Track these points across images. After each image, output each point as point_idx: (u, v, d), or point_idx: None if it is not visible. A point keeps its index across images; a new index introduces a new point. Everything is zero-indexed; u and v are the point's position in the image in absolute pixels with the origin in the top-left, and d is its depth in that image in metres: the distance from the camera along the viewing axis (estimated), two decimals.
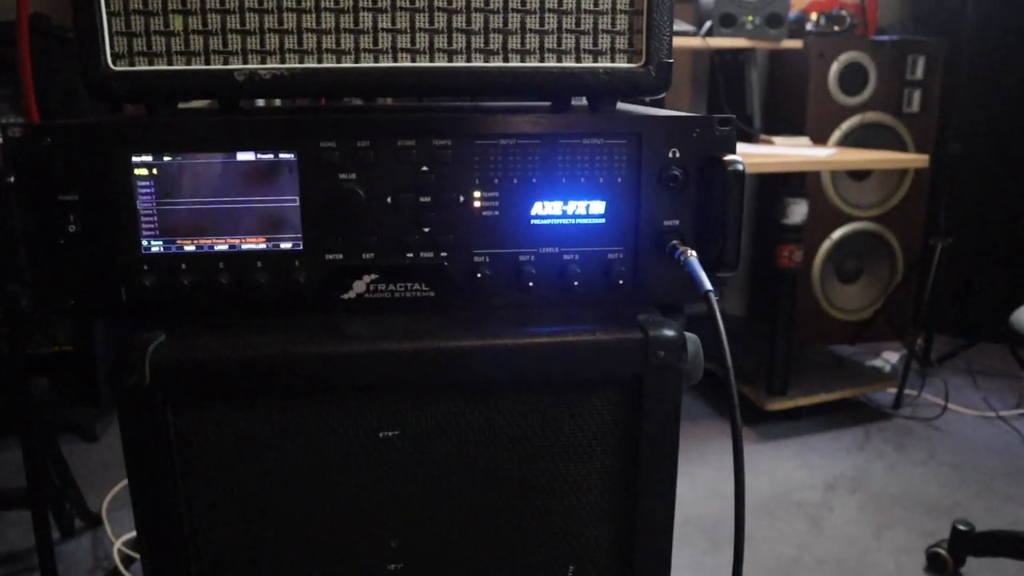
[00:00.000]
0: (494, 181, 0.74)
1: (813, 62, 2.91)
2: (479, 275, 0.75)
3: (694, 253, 0.71)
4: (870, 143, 3.00)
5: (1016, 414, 2.67)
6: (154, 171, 0.73)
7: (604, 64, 0.75)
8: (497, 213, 0.75)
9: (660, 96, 0.76)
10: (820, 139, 2.93)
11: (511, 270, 0.76)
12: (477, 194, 0.74)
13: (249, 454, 0.72)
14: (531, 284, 0.75)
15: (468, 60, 0.74)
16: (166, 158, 0.72)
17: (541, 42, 0.74)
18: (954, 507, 2.17)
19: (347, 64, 0.74)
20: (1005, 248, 3.15)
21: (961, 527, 1.81)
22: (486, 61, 0.74)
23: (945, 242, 2.78)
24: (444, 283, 0.76)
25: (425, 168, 0.74)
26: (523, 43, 0.74)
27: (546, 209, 0.75)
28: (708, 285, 0.67)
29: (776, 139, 2.80)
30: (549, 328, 0.73)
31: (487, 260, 0.76)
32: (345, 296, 0.76)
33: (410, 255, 0.75)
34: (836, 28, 2.95)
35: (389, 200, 0.74)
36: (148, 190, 0.73)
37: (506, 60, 0.75)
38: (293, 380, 0.71)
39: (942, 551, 1.83)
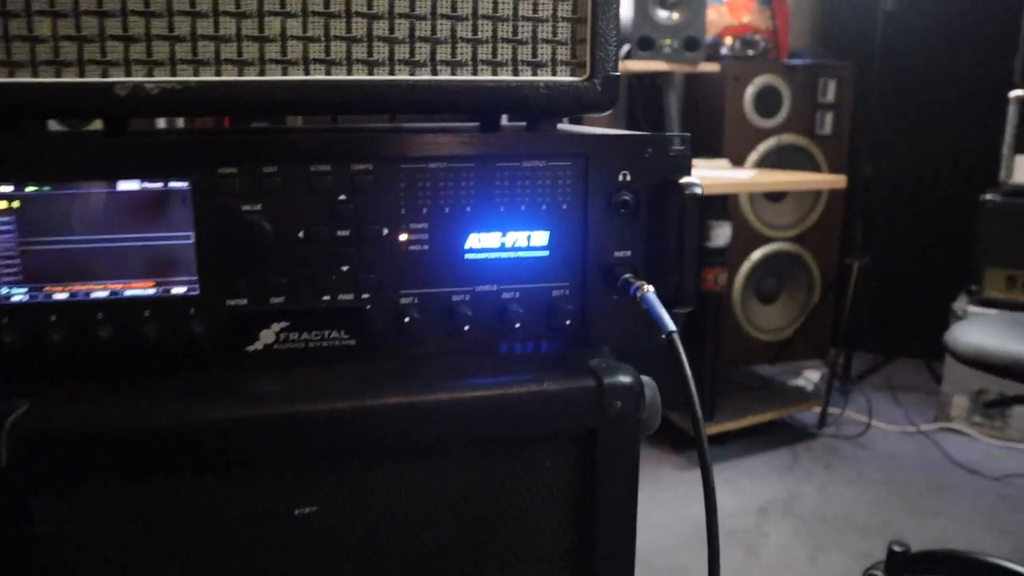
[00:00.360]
0: (423, 211, 0.65)
1: (729, 85, 2.93)
2: (407, 319, 0.65)
3: (651, 288, 0.63)
4: (785, 165, 3.04)
5: (936, 428, 2.72)
6: (15, 204, 0.60)
7: (544, 77, 0.67)
8: (426, 247, 0.65)
9: (606, 113, 0.69)
10: (737, 161, 2.95)
11: (443, 312, 0.66)
12: (403, 226, 0.65)
13: (137, 542, 0.60)
14: (466, 327, 0.66)
15: (391, 73, 0.65)
16: (30, 189, 0.60)
17: (474, 53, 0.66)
18: (885, 526, 2.17)
19: (251, 77, 0.64)
20: (919, 265, 3.24)
21: (896, 548, 1.79)
22: (411, 74, 0.65)
23: (862, 261, 2.82)
24: (366, 329, 0.66)
25: (343, 197, 0.64)
26: (453, 53, 0.66)
27: (482, 242, 0.66)
28: (671, 325, 0.59)
29: (696, 161, 2.79)
30: (489, 379, 0.64)
31: (416, 301, 0.66)
32: (251, 348, 0.65)
33: (326, 298, 0.65)
34: (750, 52, 2.99)
35: (301, 235, 0.64)
36: (8, 227, 0.61)
37: (435, 73, 0.66)
38: (189, 452, 0.59)
39: (879, 574, 1.81)
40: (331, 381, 0.63)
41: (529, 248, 0.67)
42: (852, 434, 2.71)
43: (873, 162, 2.85)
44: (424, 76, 0.66)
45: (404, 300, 0.66)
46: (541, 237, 0.67)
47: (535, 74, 0.67)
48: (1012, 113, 2.51)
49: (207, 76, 0.62)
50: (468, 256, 0.66)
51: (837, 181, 2.51)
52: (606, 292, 0.68)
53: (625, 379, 0.64)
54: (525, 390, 0.63)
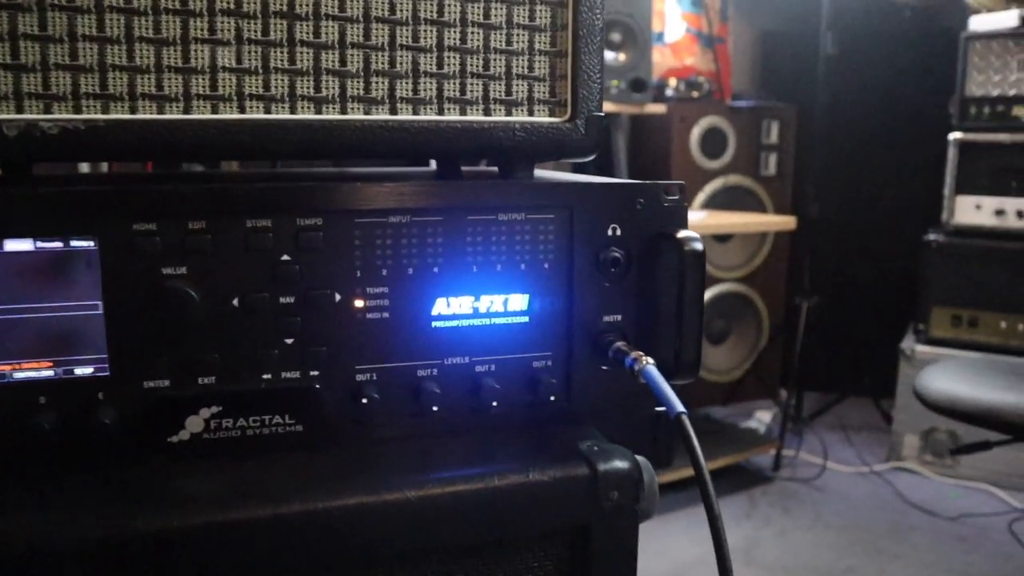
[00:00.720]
0: (382, 272, 0.55)
1: (675, 126, 2.91)
2: (364, 399, 0.55)
3: (651, 361, 0.54)
4: (732, 205, 3.03)
5: (888, 468, 2.70)
6: None
7: (520, 118, 0.59)
8: (386, 315, 0.56)
9: (589, 158, 0.60)
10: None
11: (407, 390, 0.57)
12: (359, 290, 0.55)
13: None
14: (435, 408, 0.56)
15: (342, 111, 0.56)
16: None
17: (439, 89, 0.57)
18: (848, 572, 2.11)
19: (173, 115, 0.53)
20: (866, 305, 3.25)
21: None
22: (367, 113, 0.56)
23: (810, 301, 2.81)
24: (316, 413, 0.55)
25: (286, 257, 0.54)
26: (416, 90, 0.57)
27: (452, 307, 0.57)
28: (680, 407, 0.50)
29: None
30: (463, 470, 0.54)
31: (374, 378, 0.56)
32: (174, 439, 0.54)
33: (267, 377, 0.55)
34: (695, 94, 2.99)
35: (235, 302, 0.53)
36: None
37: (393, 112, 0.57)
38: (93, 574, 0.48)
39: None
40: (274, 478, 0.53)
41: (506, 314, 0.58)
42: (807, 476, 2.66)
43: (819, 203, 2.86)
44: (381, 115, 0.57)
45: (361, 377, 0.56)
46: (519, 301, 0.58)
47: (509, 114, 0.59)
48: (952, 155, 2.54)
49: (119, 114, 0.52)
50: (436, 324, 0.57)
51: (787, 223, 2.50)
52: (594, 363, 0.59)
53: (621, 464, 0.55)
54: (507, 483, 0.53)
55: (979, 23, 2.51)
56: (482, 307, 0.57)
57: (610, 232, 0.58)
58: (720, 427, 2.82)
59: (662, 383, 0.52)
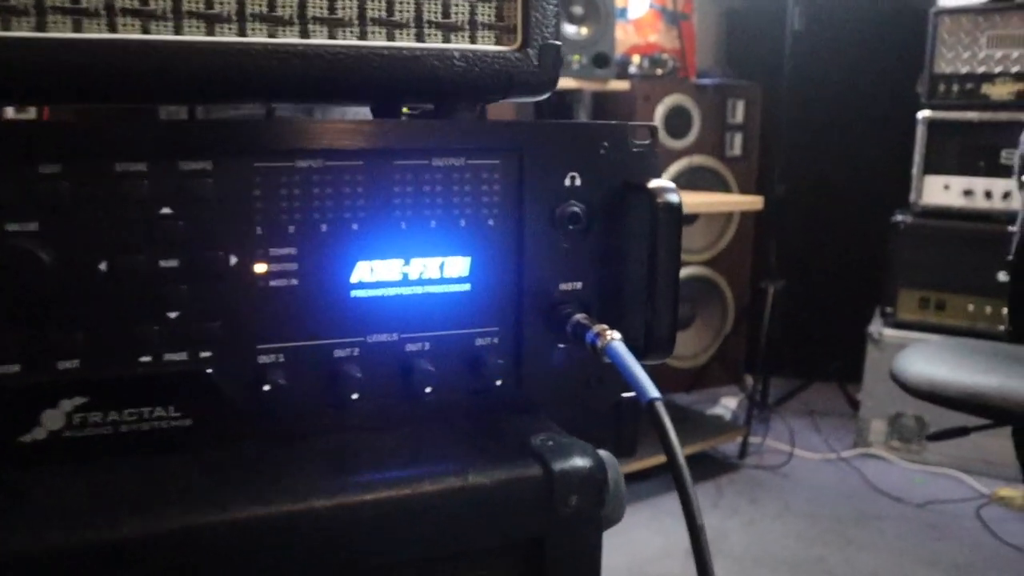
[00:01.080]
0: (288, 230, 0.45)
1: (639, 105, 2.82)
2: (267, 386, 0.45)
3: (618, 336, 0.44)
4: (697, 186, 2.96)
5: (855, 454, 2.65)
6: None
7: (460, 45, 0.49)
8: (295, 283, 0.45)
9: (545, 96, 0.51)
10: None
11: (322, 375, 0.46)
12: (260, 252, 0.45)
13: None
14: (355, 396, 0.46)
15: (241, 32, 0.45)
16: None
17: (361, 8, 0.47)
18: (818, 562, 2.06)
19: (24, 33, 0.42)
20: (833, 288, 3.21)
21: None
22: (271, 35, 0.46)
23: (777, 284, 2.75)
24: (208, 404, 0.45)
25: (167, 210, 0.43)
26: (332, 8, 0.46)
27: (376, 273, 0.47)
28: (653, 391, 0.41)
29: None
30: (386, 472, 0.44)
31: (281, 360, 0.46)
32: (26, 439, 0.43)
33: (145, 359, 0.44)
34: (659, 71, 2.90)
35: (103, 267, 0.43)
36: None
37: (305, 35, 0.46)
38: None
39: None
40: (153, 486, 0.42)
41: (443, 281, 0.48)
42: (774, 464, 2.61)
43: (785, 184, 2.80)
44: (291, 39, 0.46)
45: (263, 359, 0.46)
46: (459, 265, 0.48)
47: (447, 40, 0.49)
48: (920, 134, 2.49)
49: None
50: (356, 294, 0.46)
51: (754, 202, 2.43)
52: (549, 339, 0.49)
53: (582, 462, 0.45)
54: (442, 487, 0.43)
55: None
56: (413, 273, 0.47)
57: (568, 182, 0.48)
58: (685, 414, 2.76)
59: (631, 363, 0.42)
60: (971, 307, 2.44)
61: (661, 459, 2.42)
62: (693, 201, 2.31)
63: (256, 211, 0.44)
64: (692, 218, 3.09)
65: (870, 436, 2.66)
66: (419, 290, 0.47)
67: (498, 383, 0.48)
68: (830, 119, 3.14)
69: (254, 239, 0.44)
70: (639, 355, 0.47)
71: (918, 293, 2.53)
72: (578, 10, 2.57)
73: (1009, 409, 1.11)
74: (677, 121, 2.99)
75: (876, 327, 2.59)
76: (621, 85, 2.72)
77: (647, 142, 0.49)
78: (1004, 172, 2.37)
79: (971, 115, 2.40)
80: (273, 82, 0.45)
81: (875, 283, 2.73)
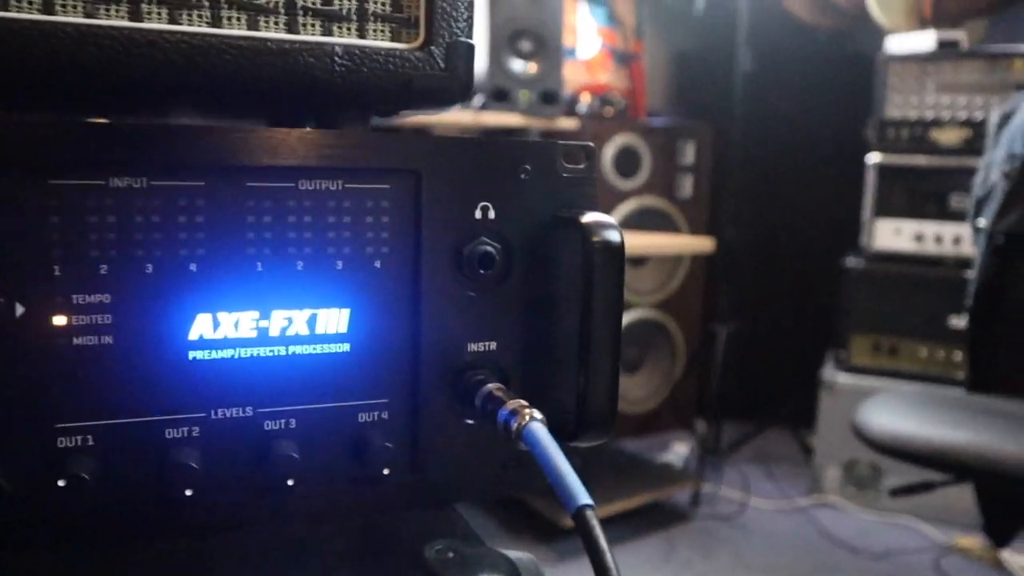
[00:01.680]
0: (98, 271, 0.34)
1: None
2: (67, 480, 0.33)
3: (539, 417, 0.34)
4: (647, 227, 2.89)
5: (811, 503, 2.58)
6: None
7: (344, 39, 0.38)
8: (109, 339, 0.34)
9: (452, 107, 0.40)
10: None
11: (147, 464, 0.35)
12: (58, 298, 0.33)
13: None
14: (188, 492, 0.34)
15: (46, 10, 0.34)
16: None
17: None
18: None
19: None
20: (784, 332, 3.16)
21: None
22: (88, 16, 0.35)
23: (728, 328, 2.69)
24: None
25: None
26: None
27: (223, 328, 0.35)
28: (583, 497, 0.30)
29: None
30: None
31: (89, 444, 0.34)
32: None
33: None
34: (609, 111, 2.85)
35: None
36: None
37: (137, 18, 0.35)
38: None
39: None
40: None
41: (313, 339, 0.37)
42: (728, 513, 2.52)
43: (735, 226, 2.76)
44: (120, 22, 0.35)
45: (65, 442, 0.34)
46: (335, 319, 0.37)
47: (328, 33, 0.38)
48: (871, 178, 2.47)
49: None
50: (195, 355, 0.35)
51: (705, 244, 2.37)
52: (453, 415, 0.39)
53: None
54: None
55: (896, 45, 2.46)
56: (274, 329, 0.36)
57: (479, 214, 0.38)
58: (635, 462, 2.66)
59: (554, 455, 0.31)
60: (924, 352, 2.40)
61: (609, 511, 2.31)
62: (643, 243, 2.24)
63: (54, 244, 0.33)
64: (641, 260, 3.02)
65: (825, 483, 2.58)
66: (281, 351, 0.36)
67: (386, 472, 0.37)
68: (780, 162, 3.13)
69: (51, 281, 0.33)
70: (569, 435, 0.37)
71: (871, 338, 2.49)
72: (526, 46, 2.51)
73: (978, 466, 1.04)
74: (626, 161, 2.94)
75: (829, 372, 2.53)
76: (570, 123, 2.66)
77: (582, 166, 0.39)
78: (953, 217, 2.36)
79: (920, 160, 2.38)
80: (85, 76, 0.34)
81: (827, 327, 2.68)
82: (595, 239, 0.36)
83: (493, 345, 0.38)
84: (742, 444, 2.98)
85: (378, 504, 0.38)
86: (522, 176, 0.38)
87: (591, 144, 0.39)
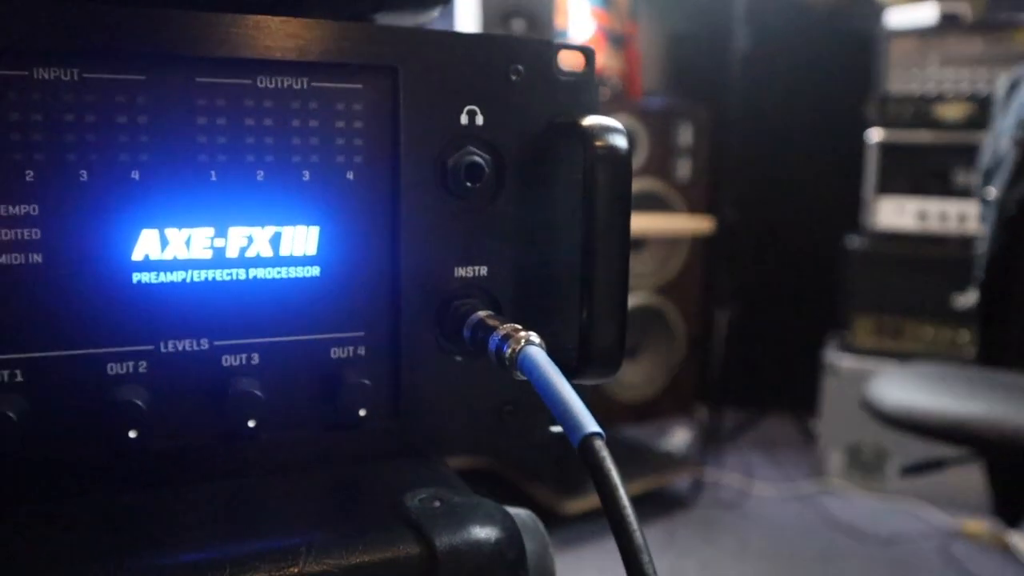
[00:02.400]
0: (24, 178, 0.29)
1: None
2: None
3: (536, 340, 0.29)
4: (645, 211, 2.85)
5: (815, 488, 2.54)
6: None
7: None
8: (38, 258, 0.29)
9: (436, 8, 0.36)
10: None
11: (85, 403, 0.30)
12: None
13: None
14: (133, 434, 0.30)
15: None
16: None
17: None
18: None
19: None
20: (786, 314, 3.12)
21: None
22: None
23: (729, 311, 2.65)
24: None
25: None
26: None
27: (173, 248, 0.31)
28: (591, 425, 0.25)
29: None
30: (170, 556, 0.27)
31: (17, 380, 0.29)
32: None
33: None
34: (605, 92, 2.80)
35: None
36: None
37: None
38: None
39: None
40: None
41: (278, 262, 0.32)
42: (730, 500, 2.48)
43: (735, 207, 2.71)
44: None
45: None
46: (302, 239, 0.32)
47: None
48: (872, 155, 2.42)
49: None
50: (140, 278, 0.30)
51: (704, 224, 2.32)
52: (440, 349, 0.34)
53: (483, 533, 0.30)
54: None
55: (897, 19, 2.41)
56: (232, 249, 0.31)
57: (465, 119, 0.33)
58: (635, 449, 2.61)
59: (556, 380, 0.27)
60: (929, 332, 2.36)
61: None
62: (641, 224, 2.20)
63: None
64: (639, 244, 2.98)
65: (829, 467, 2.54)
66: (241, 274, 0.31)
67: (362, 413, 0.32)
68: (779, 141, 3.08)
69: None
70: (571, 373, 0.32)
71: (875, 319, 2.44)
72: (519, 26, 2.46)
73: (993, 439, 0.99)
74: None
75: (832, 355, 2.49)
76: None
77: (581, 71, 0.35)
78: (957, 193, 2.31)
79: (923, 136, 2.34)
80: None
81: (829, 309, 2.64)
82: (598, 144, 0.31)
83: (483, 270, 0.34)
84: (744, 430, 2.95)
85: (354, 452, 0.33)
86: (513, 77, 0.33)
87: (591, 47, 0.35)
